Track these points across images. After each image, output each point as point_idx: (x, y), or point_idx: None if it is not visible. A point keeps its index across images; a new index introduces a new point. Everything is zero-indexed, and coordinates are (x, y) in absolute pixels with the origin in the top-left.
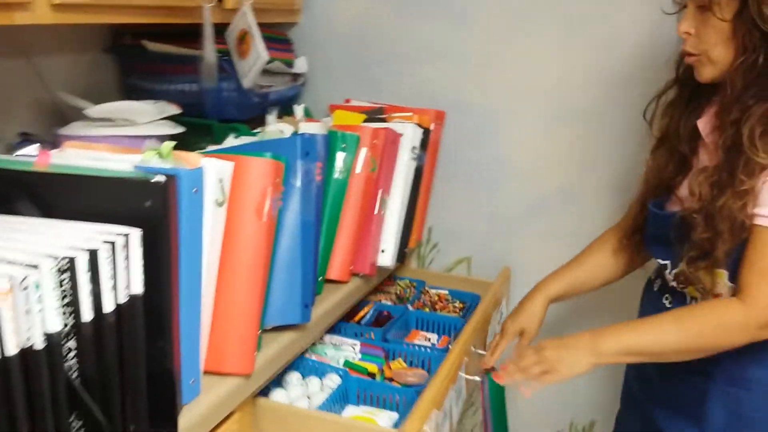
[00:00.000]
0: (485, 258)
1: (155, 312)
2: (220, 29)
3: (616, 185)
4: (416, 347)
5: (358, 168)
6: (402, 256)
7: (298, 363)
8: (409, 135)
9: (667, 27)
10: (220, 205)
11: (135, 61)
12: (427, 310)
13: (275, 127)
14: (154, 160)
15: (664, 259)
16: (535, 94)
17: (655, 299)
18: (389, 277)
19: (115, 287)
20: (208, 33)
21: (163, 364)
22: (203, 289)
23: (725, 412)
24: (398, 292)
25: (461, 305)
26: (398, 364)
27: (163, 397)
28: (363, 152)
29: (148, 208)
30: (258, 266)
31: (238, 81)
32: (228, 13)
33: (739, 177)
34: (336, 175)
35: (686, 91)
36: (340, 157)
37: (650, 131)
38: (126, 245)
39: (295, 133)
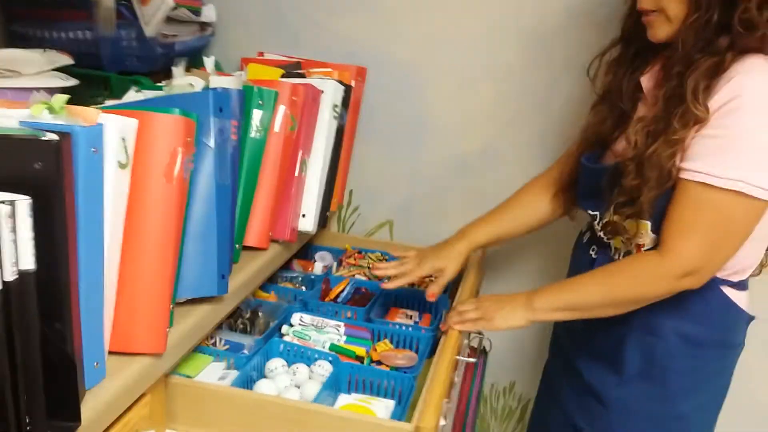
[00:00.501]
0: (407, 221)
1: (50, 290)
2: None
3: (540, 143)
4: (402, 327)
5: (277, 127)
6: (324, 220)
7: (280, 348)
8: (330, 92)
9: None
10: (124, 167)
11: (19, 5)
12: (406, 286)
13: (184, 80)
14: (44, 116)
15: (593, 211)
16: (458, 50)
17: (583, 251)
18: (358, 251)
19: (0, 263)
20: None
21: (62, 348)
22: (106, 262)
23: (641, 359)
24: (370, 266)
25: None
26: (384, 346)
27: (63, 384)
28: (281, 110)
29: (38, 171)
30: (168, 235)
31: (140, 29)
32: None
33: (673, 125)
34: (252, 134)
35: (631, 49)
36: (256, 115)
37: (593, 88)
38: (12, 215)
39: (206, 88)
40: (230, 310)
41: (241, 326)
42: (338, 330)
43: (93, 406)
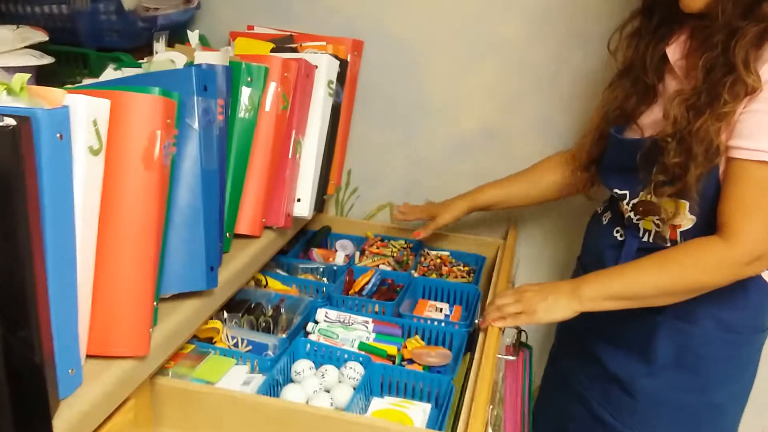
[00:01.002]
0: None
1: (13, 294)
2: None
3: (545, 123)
4: (434, 322)
5: (268, 105)
6: (321, 204)
7: (306, 348)
8: (325, 67)
9: None
10: (96, 153)
11: None
12: (434, 276)
13: (165, 57)
14: (2, 98)
15: (622, 189)
16: (458, 24)
17: (606, 233)
18: (380, 238)
19: None
20: None
21: (28, 358)
22: (80, 259)
23: (674, 347)
24: (394, 255)
25: (466, 268)
26: (415, 343)
27: (30, 396)
28: (272, 87)
29: None
30: (148, 226)
31: (118, 1)
32: None
33: (723, 98)
34: (241, 114)
35: (653, 19)
36: (245, 93)
37: (614, 62)
38: None
39: (190, 64)
40: (221, 304)
41: (264, 324)
42: (366, 327)
43: (68, 417)
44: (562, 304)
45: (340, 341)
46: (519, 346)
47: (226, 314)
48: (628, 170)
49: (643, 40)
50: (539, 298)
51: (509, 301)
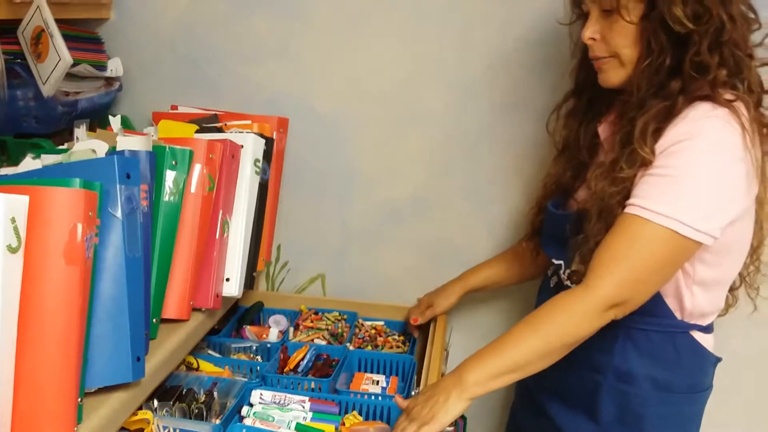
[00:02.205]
0: (340, 274)
1: None
2: (11, 27)
3: (470, 191)
4: (372, 397)
5: (193, 188)
6: (251, 281)
7: None
8: (251, 146)
9: (519, 26)
10: (15, 251)
11: None
12: (369, 348)
13: (85, 145)
14: None
15: (557, 259)
16: (382, 97)
17: (552, 296)
18: (314, 311)
19: None
20: None
21: None
22: None
23: (616, 406)
24: (329, 328)
25: (401, 337)
26: (353, 419)
27: None
28: (197, 169)
29: None
30: (71, 321)
31: (37, 88)
32: (18, 8)
33: (620, 165)
34: (166, 197)
35: (584, 100)
36: (170, 177)
37: (553, 141)
38: None
39: (112, 150)
40: (148, 394)
41: (196, 411)
42: (303, 406)
43: None
44: (452, 402)
45: (276, 423)
46: None
47: (156, 403)
48: (561, 241)
49: (576, 119)
50: (430, 404)
51: (404, 424)
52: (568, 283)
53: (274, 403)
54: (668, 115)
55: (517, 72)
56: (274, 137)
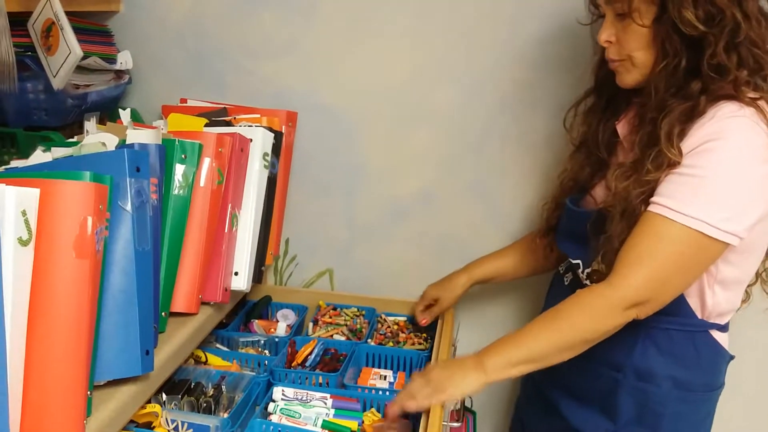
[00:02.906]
0: (348, 269)
1: None
2: (21, 19)
3: (477, 187)
4: (387, 393)
5: (202, 181)
6: (259, 275)
7: (262, 430)
8: (259, 140)
9: (527, 23)
10: (25, 243)
11: None
12: (390, 344)
13: (96, 138)
14: None
15: (575, 258)
16: (390, 92)
17: (565, 293)
18: (333, 307)
19: None
20: (2, 24)
21: None
22: (8, 351)
23: (635, 405)
24: (348, 324)
25: (424, 334)
26: (373, 416)
27: None
28: (207, 163)
29: None
30: (81, 314)
31: (47, 80)
32: (29, 1)
33: (646, 167)
34: (175, 191)
35: (603, 98)
36: (179, 170)
37: (569, 138)
38: None
39: (122, 143)
40: (157, 387)
41: (204, 405)
42: (325, 403)
43: None
44: (470, 379)
45: (302, 420)
46: (463, 411)
47: (165, 396)
48: (580, 239)
49: (595, 117)
50: (446, 375)
51: (419, 385)
52: (587, 282)
53: (297, 399)
54: (691, 116)
55: (525, 68)
56: (283, 131)
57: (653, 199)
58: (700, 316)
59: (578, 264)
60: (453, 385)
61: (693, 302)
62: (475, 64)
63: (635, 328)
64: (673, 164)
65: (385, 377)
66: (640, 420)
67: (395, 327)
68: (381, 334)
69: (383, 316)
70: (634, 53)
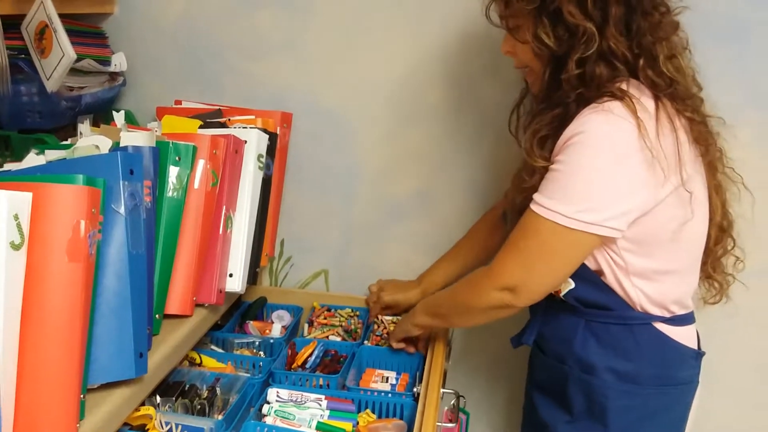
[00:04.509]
0: (343, 270)
1: None
2: (15, 22)
3: (474, 186)
4: (381, 393)
5: (197, 183)
6: (254, 277)
7: None
8: (254, 142)
9: None
10: (18, 248)
11: None
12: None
13: (89, 141)
14: None
15: None
16: (385, 93)
17: None
18: (327, 308)
19: None
20: None
21: None
22: (1, 357)
23: (583, 397)
24: (343, 325)
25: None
26: (367, 417)
27: None
28: (201, 165)
29: None
30: (73, 318)
31: (41, 83)
32: (22, 3)
33: (522, 176)
34: (170, 193)
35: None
36: (173, 172)
37: (517, 143)
38: None
39: (115, 146)
40: (151, 390)
41: (199, 407)
42: (320, 404)
43: None
44: (406, 324)
45: (296, 422)
46: (458, 411)
47: (159, 399)
48: None
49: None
50: (402, 322)
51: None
52: None
53: (291, 401)
54: (563, 121)
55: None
56: (278, 132)
57: (534, 194)
58: (637, 309)
59: None
60: (398, 330)
61: (620, 294)
62: (471, 64)
63: (575, 321)
64: (542, 171)
65: (387, 378)
66: (590, 411)
67: (392, 327)
68: (377, 336)
69: (379, 317)
70: (530, 63)
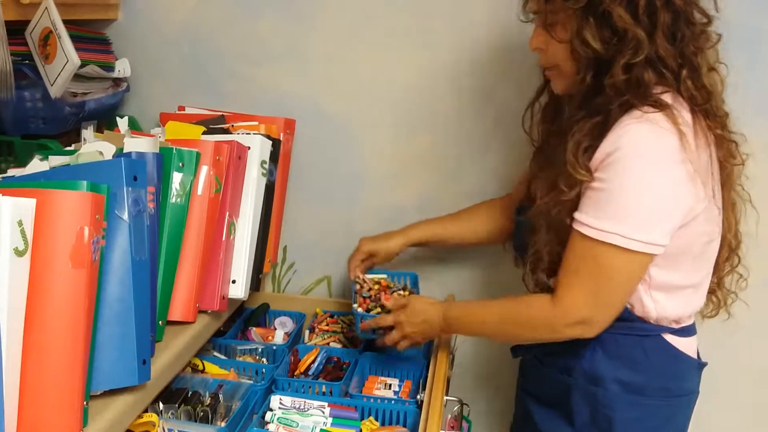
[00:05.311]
0: (346, 276)
1: None
2: (19, 28)
3: (479, 192)
4: (384, 401)
5: (200, 189)
6: (257, 283)
7: None
8: (257, 148)
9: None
10: (22, 254)
11: None
12: (377, 310)
13: (93, 147)
14: None
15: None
16: (390, 99)
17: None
18: (330, 314)
19: None
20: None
21: None
22: (4, 362)
23: (588, 408)
24: (344, 331)
25: (406, 291)
26: (370, 425)
27: None
28: (204, 171)
29: None
30: (77, 325)
31: (45, 88)
32: (26, 9)
33: (560, 188)
34: (173, 199)
35: (557, 95)
36: (176, 179)
37: (530, 140)
38: None
39: (119, 152)
40: (154, 397)
41: (201, 414)
42: (323, 411)
43: None
44: (435, 333)
45: (300, 429)
46: (461, 419)
47: (161, 406)
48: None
49: (551, 115)
50: (420, 328)
51: (397, 337)
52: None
53: (294, 408)
54: (603, 131)
55: (525, 76)
56: (281, 138)
57: (576, 215)
58: (649, 321)
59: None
60: (422, 338)
61: (638, 309)
62: (476, 72)
63: None
64: (582, 183)
65: (390, 385)
66: (594, 423)
67: (376, 287)
68: (365, 298)
69: (361, 277)
70: (561, 63)
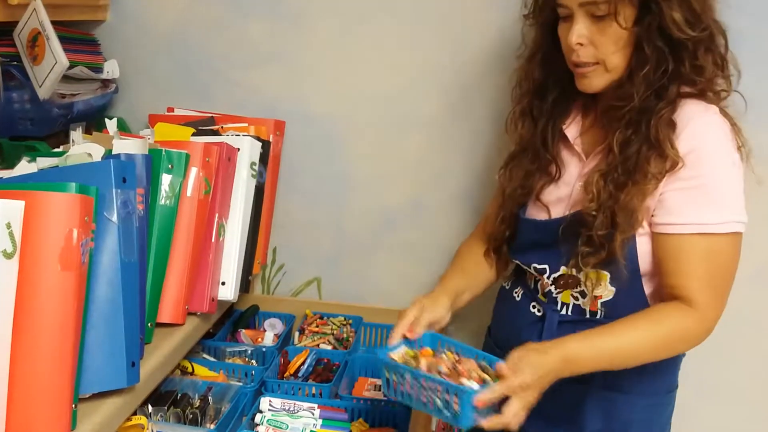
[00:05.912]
0: (336, 278)
1: None
2: (7, 29)
3: (467, 197)
4: (376, 403)
5: (189, 191)
6: (246, 285)
7: None
8: (247, 149)
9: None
10: (10, 256)
11: None
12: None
13: (81, 149)
14: None
15: (541, 264)
16: (379, 102)
17: (522, 310)
18: (320, 316)
19: None
20: None
21: None
22: None
23: (602, 417)
24: (334, 333)
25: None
26: (360, 426)
27: None
28: (194, 172)
29: None
30: (66, 327)
31: (33, 90)
32: (14, 10)
33: (650, 172)
34: (162, 201)
35: (547, 99)
36: (166, 180)
37: (512, 142)
38: None
39: (108, 153)
40: (143, 399)
41: (191, 416)
42: (313, 413)
43: None
44: (549, 376)
45: (289, 431)
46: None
47: (151, 408)
48: (546, 246)
49: (541, 119)
50: (541, 390)
51: (517, 409)
52: (551, 288)
53: (284, 410)
54: (672, 118)
55: (513, 78)
56: (271, 140)
57: (675, 219)
58: None
59: (544, 269)
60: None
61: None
62: (463, 74)
63: None
64: (674, 166)
65: (380, 387)
66: (607, 429)
67: (457, 364)
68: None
69: (443, 356)
70: (609, 56)
